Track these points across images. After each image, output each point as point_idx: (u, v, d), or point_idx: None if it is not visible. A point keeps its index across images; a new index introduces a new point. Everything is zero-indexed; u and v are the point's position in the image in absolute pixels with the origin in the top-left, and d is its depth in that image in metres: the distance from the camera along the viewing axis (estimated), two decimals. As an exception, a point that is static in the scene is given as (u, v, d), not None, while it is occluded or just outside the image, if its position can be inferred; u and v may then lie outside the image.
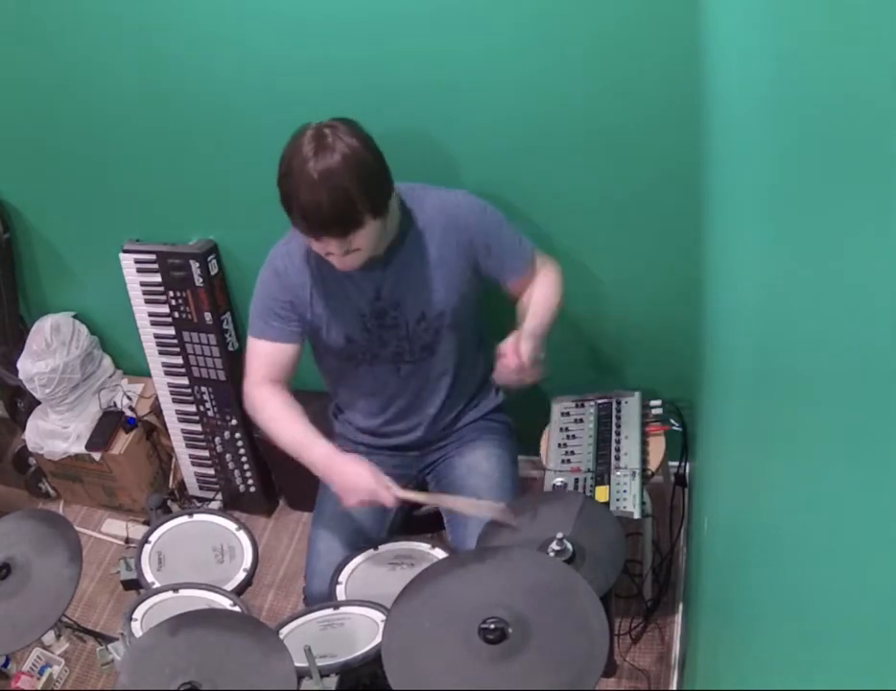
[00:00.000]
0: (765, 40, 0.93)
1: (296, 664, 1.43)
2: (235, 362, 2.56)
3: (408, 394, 1.99)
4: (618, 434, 2.15)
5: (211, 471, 2.78)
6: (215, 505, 2.79)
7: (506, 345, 1.75)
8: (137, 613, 1.61)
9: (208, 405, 2.65)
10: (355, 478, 1.71)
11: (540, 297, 1.90)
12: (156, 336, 2.58)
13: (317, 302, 1.86)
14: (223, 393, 2.60)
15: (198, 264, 2.40)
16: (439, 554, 1.76)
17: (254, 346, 1.90)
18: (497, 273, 1.91)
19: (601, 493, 2.01)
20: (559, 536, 1.58)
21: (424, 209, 1.84)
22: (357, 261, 1.74)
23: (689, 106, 1.77)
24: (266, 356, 1.88)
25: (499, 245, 1.88)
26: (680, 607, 2.30)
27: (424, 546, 1.79)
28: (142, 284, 2.50)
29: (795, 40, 0.76)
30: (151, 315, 2.55)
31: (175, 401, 2.69)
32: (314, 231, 1.66)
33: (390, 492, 1.69)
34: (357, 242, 1.68)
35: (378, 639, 1.54)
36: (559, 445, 2.17)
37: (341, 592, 1.74)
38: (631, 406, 2.22)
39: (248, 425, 2.62)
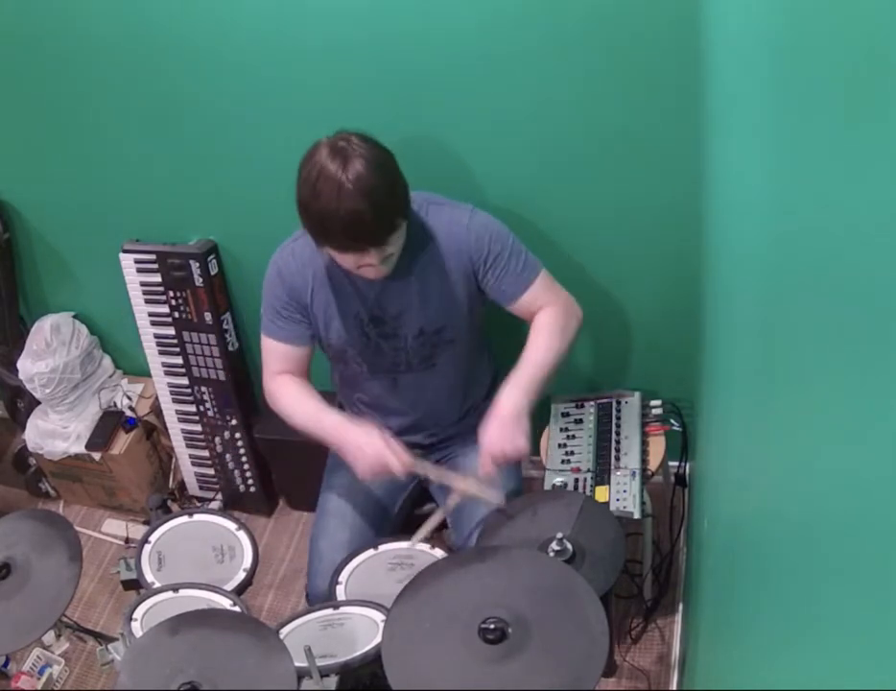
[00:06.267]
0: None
1: (296, 664, 1.43)
2: (235, 362, 2.57)
3: (406, 407, 1.99)
4: (618, 434, 2.15)
5: (211, 471, 2.78)
6: (215, 505, 2.79)
7: (486, 436, 1.71)
8: (137, 613, 1.61)
9: (208, 405, 2.65)
10: (365, 445, 1.71)
11: (533, 347, 1.81)
12: (156, 336, 2.58)
13: (317, 302, 1.86)
14: (223, 394, 2.61)
15: (198, 264, 2.40)
16: (439, 554, 1.75)
17: (265, 343, 1.92)
18: (495, 294, 1.85)
19: (601, 493, 2.01)
20: (559, 536, 1.58)
21: (431, 225, 1.80)
22: (390, 266, 1.73)
23: (690, 110, 1.78)
24: (275, 352, 1.91)
25: (498, 267, 1.82)
26: (680, 607, 2.30)
27: (424, 546, 1.78)
28: (142, 284, 2.50)
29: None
30: (151, 315, 2.55)
31: (175, 401, 2.69)
32: (359, 244, 1.62)
33: (401, 459, 1.68)
34: (392, 247, 1.66)
35: (378, 639, 1.54)
36: (559, 445, 2.17)
37: (341, 592, 1.74)
38: (631, 406, 2.22)
39: (248, 425, 2.62)
